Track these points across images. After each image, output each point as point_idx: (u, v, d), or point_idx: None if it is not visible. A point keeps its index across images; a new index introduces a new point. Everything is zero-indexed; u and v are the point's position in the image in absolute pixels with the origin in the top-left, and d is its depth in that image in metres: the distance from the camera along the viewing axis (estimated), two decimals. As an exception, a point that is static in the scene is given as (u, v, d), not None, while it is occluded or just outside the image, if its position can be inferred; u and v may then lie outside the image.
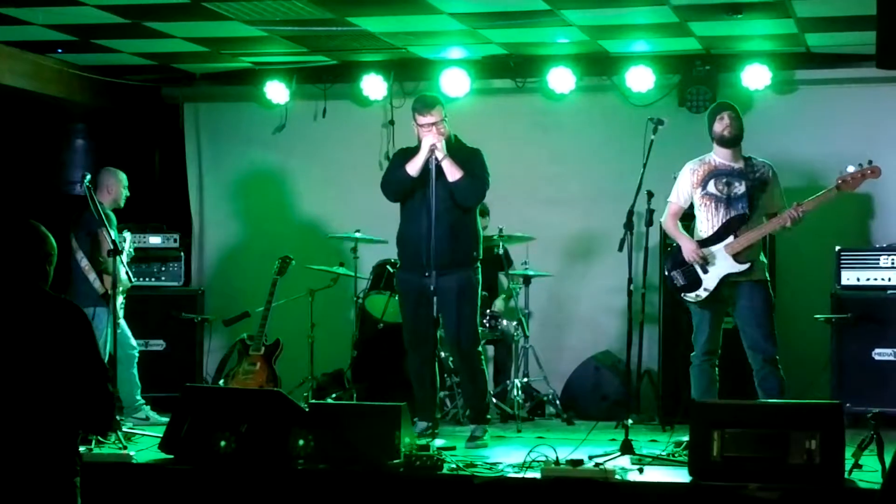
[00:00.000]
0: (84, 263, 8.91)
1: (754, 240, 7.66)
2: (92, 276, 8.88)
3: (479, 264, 8.13)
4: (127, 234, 9.40)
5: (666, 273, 7.94)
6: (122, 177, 9.31)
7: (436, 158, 7.84)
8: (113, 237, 8.38)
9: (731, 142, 7.78)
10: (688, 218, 7.99)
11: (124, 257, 9.15)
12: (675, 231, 7.92)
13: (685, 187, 7.90)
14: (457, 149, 8.02)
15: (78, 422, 4.38)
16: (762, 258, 7.80)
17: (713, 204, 7.76)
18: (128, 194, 9.32)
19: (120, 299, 8.89)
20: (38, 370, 4.24)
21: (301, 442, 6.82)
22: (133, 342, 9.17)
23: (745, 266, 7.63)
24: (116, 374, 8.93)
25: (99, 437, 7.30)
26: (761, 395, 7.60)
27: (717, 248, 7.70)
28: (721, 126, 7.79)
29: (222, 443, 6.92)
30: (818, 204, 7.61)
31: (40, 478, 4.24)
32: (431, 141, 7.85)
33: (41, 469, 4.24)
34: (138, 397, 9.14)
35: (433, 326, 7.91)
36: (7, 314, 4.31)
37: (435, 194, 7.77)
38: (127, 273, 8.86)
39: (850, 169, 7.57)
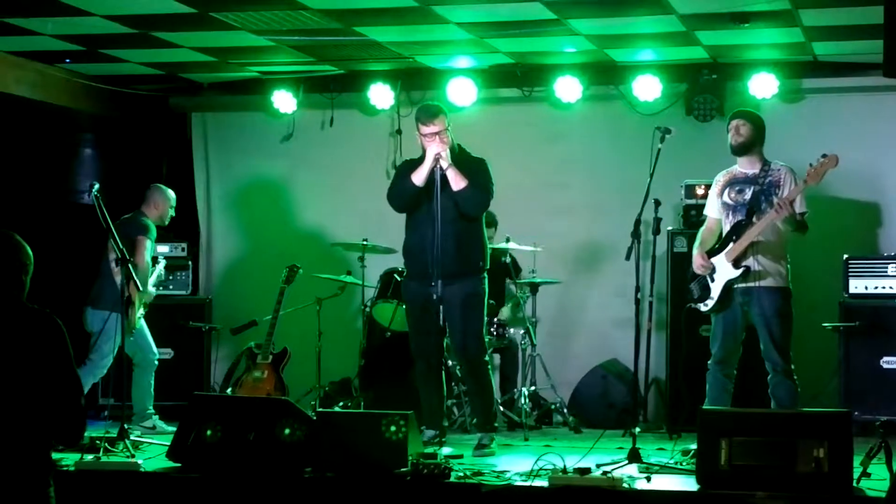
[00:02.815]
0: (114, 266, 8.94)
1: (746, 242, 7.63)
2: (119, 279, 8.91)
3: (485, 273, 8.13)
4: (162, 262, 9.55)
5: (688, 286, 7.97)
6: (171, 196, 9.44)
7: (441, 168, 7.84)
8: (121, 246, 8.38)
9: (738, 150, 7.79)
10: None
11: (154, 279, 9.23)
12: (697, 243, 7.94)
13: (712, 199, 7.95)
14: (461, 158, 8.02)
15: (49, 433, 4.35)
16: (780, 265, 7.73)
17: (726, 212, 7.79)
18: (173, 214, 9.44)
19: (141, 310, 8.94)
20: (9, 381, 4.21)
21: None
22: (154, 349, 9.22)
23: (740, 271, 7.62)
24: (131, 379, 9.01)
25: (104, 444, 7.32)
26: (773, 404, 7.60)
27: (720, 256, 7.72)
28: (729, 135, 7.81)
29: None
30: (791, 199, 7.56)
31: (11, 489, 4.21)
32: (436, 150, 7.85)
33: (11, 480, 4.21)
34: (150, 407, 9.16)
35: (440, 335, 7.92)
36: None
37: (440, 204, 7.77)
38: (137, 286, 8.88)
39: (812, 164, 7.56)
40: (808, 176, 7.54)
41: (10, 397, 4.21)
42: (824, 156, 7.50)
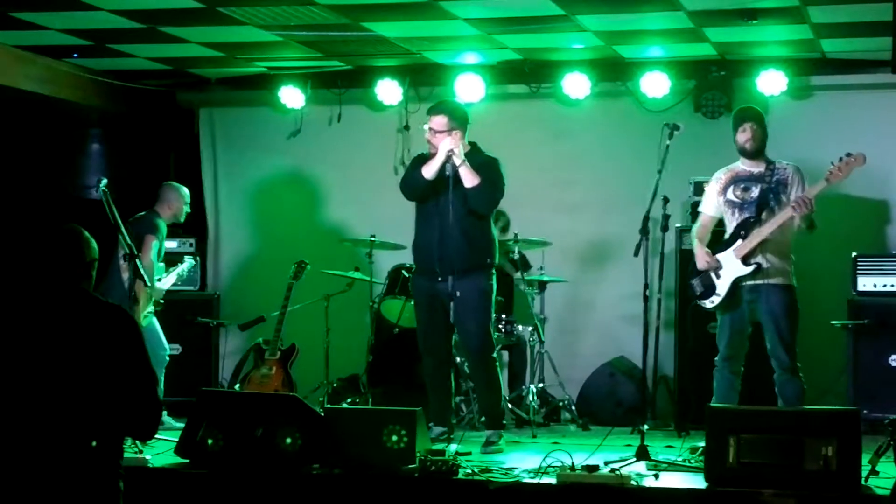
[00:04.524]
0: (122, 263, 8.95)
1: (758, 240, 7.62)
2: (126, 275, 8.92)
3: (493, 270, 8.12)
4: (187, 260, 9.60)
5: (689, 282, 7.97)
6: (185, 192, 9.40)
7: (453, 164, 7.83)
8: (129, 241, 8.37)
9: (753, 154, 7.78)
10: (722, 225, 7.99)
11: (172, 276, 9.25)
12: (694, 240, 7.93)
13: (711, 196, 7.92)
14: (474, 156, 8.01)
15: (123, 427, 4.38)
16: (787, 263, 7.72)
17: (731, 210, 7.78)
18: (188, 210, 9.40)
19: (150, 308, 8.94)
20: (85, 374, 4.23)
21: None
22: (165, 345, 9.22)
23: (751, 268, 7.61)
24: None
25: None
26: (780, 402, 7.59)
27: (727, 253, 7.71)
28: (743, 138, 7.78)
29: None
30: (813, 196, 7.53)
31: (84, 481, 4.23)
32: (449, 145, 7.84)
33: (85, 472, 4.24)
34: (158, 402, 9.16)
35: (447, 332, 7.92)
36: (54, 318, 4.31)
37: (450, 200, 7.76)
38: (144, 281, 8.87)
39: (836, 161, 7.53)
40: (830, 174, 7.51)
41: (86, 391, 4.23)
42: (849, 154, 7.48)
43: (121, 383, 4.28)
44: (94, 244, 4.53)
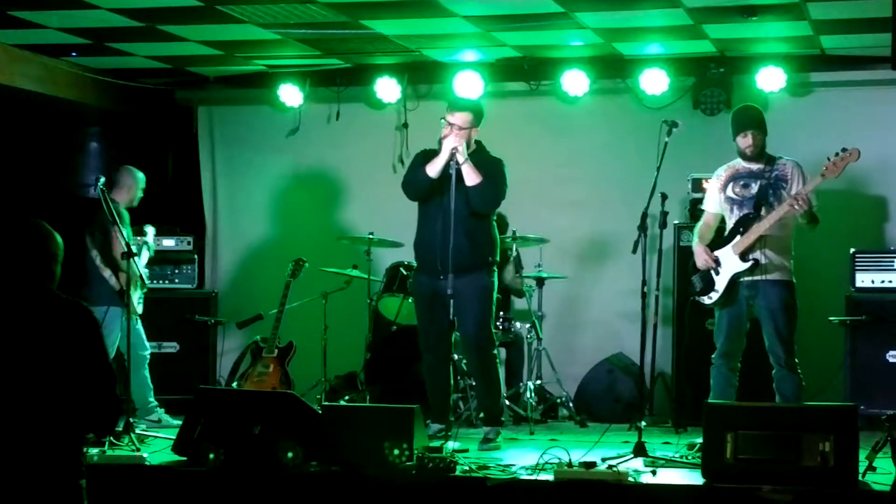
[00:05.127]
0: (98, 261, 8.93)
1: (756, 236, 7.62)
2: (107, 273, 8.90)
3: (495, 268, 8.12)
4: (149, 229, 9.46)
5: (690, 278, 7.98)
6: (140, 177, 9.34)
7: (456, 162, 7.82)
8: (126, 238, 8.38)
9: (755, 158, 7.79)
10: None
11: (144, 254, 9.22)
12: (695, 237, 7.94)
13: (712, 193, 7.94)
14: (478, 155, 8.00)
15: (82, 424, 4.36)
16: (786, 259, 7.73)
17: (730, 207, 7.80)
18: (142, 195, 9.34)
19: (137, 295, 8.90)
20: (44, 371, 4.21)
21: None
22: (146, 343, 9.19)
23: (749, 264, 7.62)
24: (130, 373, 8.98)
25: (109, 439, 7.32)
26: (777, 398, 7.59)
27: (726, 249, 7.72)
28: (744, 144, 7.80)
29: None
30: (809, 192, 7.55)
31: (45, 480, 4.22)
32: (453, 144, 7.83)
33: (45, 471, 4.22)
34: (151, 399, 9.15)
35: (448, 329, 7.91)
36: (12, 315, 4.29)
37: (453, 198, 7.75)
38: (141, 276, 8.86)
39: (832, 157, 7.53)
40: (826, 169, 7.52)
41: (44, 387, 4.22)
42: (844, 149, 7.48)
43: (79, 379, 4.26)
44: (59, 240, 4.50)
